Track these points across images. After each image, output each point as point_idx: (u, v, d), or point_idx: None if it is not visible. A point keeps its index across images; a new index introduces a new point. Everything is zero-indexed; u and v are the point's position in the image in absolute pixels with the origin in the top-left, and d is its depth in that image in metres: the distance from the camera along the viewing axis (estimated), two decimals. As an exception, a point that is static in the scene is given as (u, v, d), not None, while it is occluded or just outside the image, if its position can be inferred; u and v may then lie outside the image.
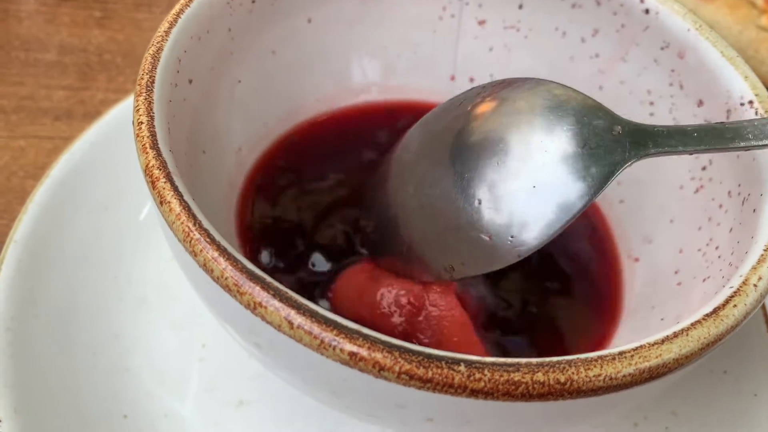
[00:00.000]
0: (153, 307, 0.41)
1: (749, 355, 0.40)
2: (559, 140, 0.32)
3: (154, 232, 0.42)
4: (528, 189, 0.31)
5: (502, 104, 0.34)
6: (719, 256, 0.34)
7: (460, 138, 0.34)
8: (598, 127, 0.32)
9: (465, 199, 0.33)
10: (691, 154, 0.32)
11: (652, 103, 0.41)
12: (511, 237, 0.31)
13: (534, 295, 0.40)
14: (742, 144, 0.31)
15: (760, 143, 0.31)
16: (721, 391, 0.40)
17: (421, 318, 0.35)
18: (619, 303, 0.39)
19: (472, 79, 0.46)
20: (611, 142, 0.31)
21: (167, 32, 0.33)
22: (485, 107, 0.34)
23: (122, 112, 0.46)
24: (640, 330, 0.36)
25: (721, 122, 0.33)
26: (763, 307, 0.42)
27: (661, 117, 0.41)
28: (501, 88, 0.35)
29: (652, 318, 0.36)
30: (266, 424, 0.37)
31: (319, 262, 0.39)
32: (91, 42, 0.59)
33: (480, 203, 0.32)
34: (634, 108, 0.42)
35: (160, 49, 0.32)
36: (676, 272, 0.37)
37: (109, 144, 0.45)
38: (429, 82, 0.46)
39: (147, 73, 0.31)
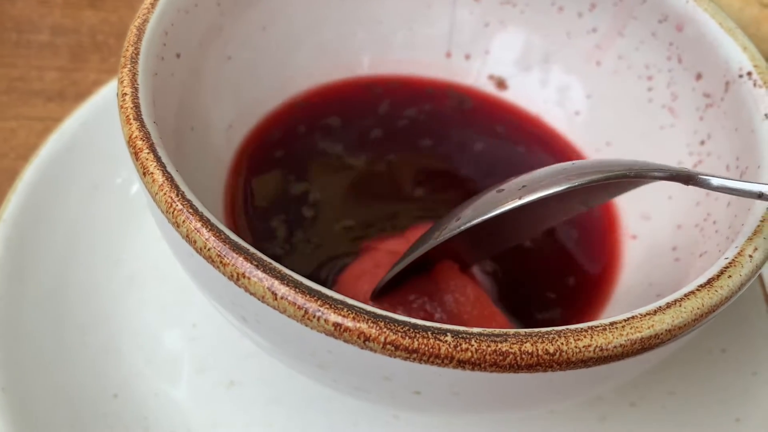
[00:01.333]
0: (143, 287, 0.40)
1: (748, 334, 0.40)
2: None
3: (144, 212, 0.42)
4: None
5: None
6: (717, 231, 0.34)
7: None
8: None
9: None
10: None
11: (650, 78, 0.40)
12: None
13: (529, 273, 0.39)
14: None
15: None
16: (720, 370, 0.39)
17: (436, 304, 0.34)
18: (615, 281, 0.39)
19: (467, 56, 0.45)
20: None
21: (153, 4, 0.33)
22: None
23: (112, 91, 0.45)
24: (637, 307, 0.35)
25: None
26: (762, 285, 0.41)
27: (660, 91, 0.40)
28: None
29: (648, 295, 0.35)
30: (257, 404, 0.37)
31: (313, 240, 0.39)
32: (83, 23, 0.58)
33: None
34: (632, 83, 0.41)
35: (145, 21, 0.32)
36: (673, 248, 0.36)
37: (99, 123, 0.44)
38: (424, 58, 0.45)
39: (132, 45, 0.31)
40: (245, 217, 0.39)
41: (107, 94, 0.45)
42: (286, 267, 0.24)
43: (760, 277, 0.41)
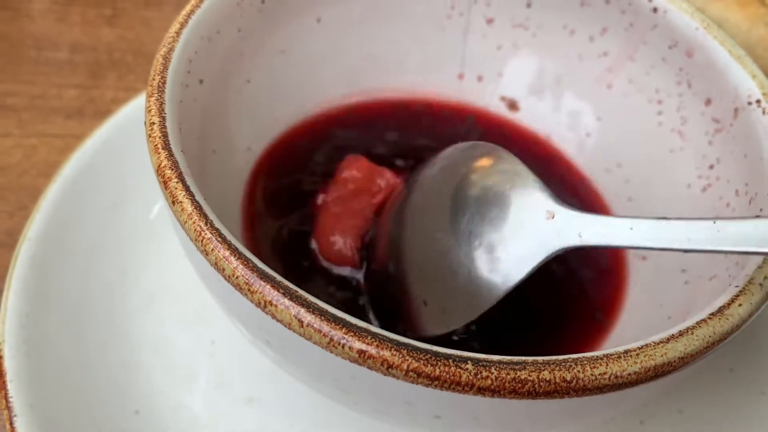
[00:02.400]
0: (163, 304, 0.41)
1: (756, 354, 0.40)
2: (490, 222, 0.32)
3: (164, 230, 0.43)
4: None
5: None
6: (726, 255, 0.34)
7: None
8: (533, 209, 0.31)
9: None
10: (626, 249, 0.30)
11: (660, 102, 0.41)
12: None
13: (539, 293, 0.40)
14: (679, 247, 0.28)
15: (704, 248, 0.28)
16: (728, 389, 0.40)
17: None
18: (625, 302, 0.40)
19: (480, 78, 0.46)
20: (541, 227, 0.31)
21: (178, 33, 0.34)
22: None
23: (133, 110, 0.46)
24: (648, 328, 0.36)
25: (665, 217, 0.29)
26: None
27: (669, 115, 0.41)
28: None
29: (659, 316, 0.36)
30: (276, 420, 0.38)
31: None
32: (101, 40, 0.60)
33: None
34: (643, 106, 0.42)
35: (171, 50, 0.33)
36: (683, 271, 0.37)
37: (120, 143, 0.45)
38: (437, 80, 0.46)
39: (158, 74, 0.32)
40: (264, 240, 0.40)
41: (128, 112, 0.46)
42: (307, 283, 0.25)
43: (768, 298, 0.42)
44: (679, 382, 0.38)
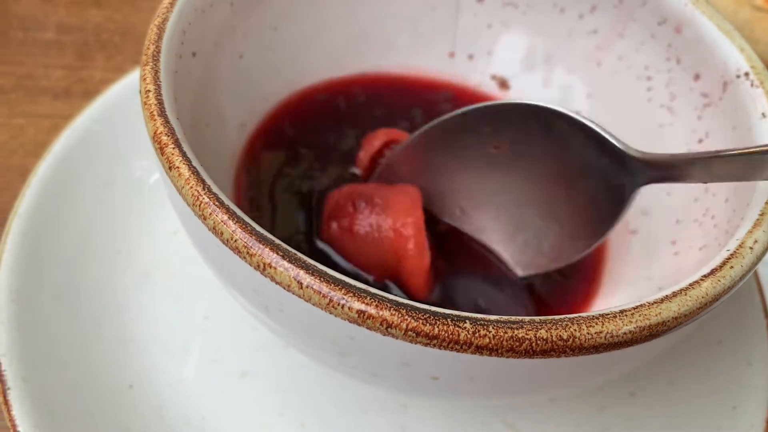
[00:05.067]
0: (156, 280, 0.41)
1: (743, 326, 0.41)
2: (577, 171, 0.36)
3: (156, 207, 0.43)
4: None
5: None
6: (715, 225, 0.35)
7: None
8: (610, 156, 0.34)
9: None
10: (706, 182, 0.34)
11: (649, 78, 0.42)
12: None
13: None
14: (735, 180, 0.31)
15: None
16: (717, 360, 0.40)
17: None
18: (616, 275, 0.40)
19: (471, 56, 0.47)
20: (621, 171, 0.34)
21: (172, 4, 0.33)
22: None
23: (123, 89, 0.46)
24: (638, 299, 0.36)
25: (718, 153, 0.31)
26: (758, 279, 0.42)
27: (659, 91, 0.41)
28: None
29: (649, 287, 0.37)
30: (269, 393, 0.38)
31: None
32: (89, 21, 0.59)
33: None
34: (632, 83, 0.42)
35: (165, 20, 0.33)
36: (673, 242, 0.38)
37: (109, 121, 0.45)
38: (428, 58, 0.46)
39: (153, 44, 0.32)
40: (256, 212, 0.40)
41: (118, 91, 0.46)
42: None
43: (756, 272, 0.43)
44: (669, 355, 0.39)
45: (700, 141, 0.39)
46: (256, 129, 0.42)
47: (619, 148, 0.34)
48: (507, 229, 0.40)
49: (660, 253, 0.38)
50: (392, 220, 0.36)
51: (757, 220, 0.29)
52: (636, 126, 0.42)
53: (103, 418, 0.36)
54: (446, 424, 0.38)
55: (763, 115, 0.33)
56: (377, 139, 0.41)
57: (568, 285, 0.40)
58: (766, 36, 0.53)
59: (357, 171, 0.42)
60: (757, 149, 0.29)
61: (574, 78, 0.45)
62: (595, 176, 0.36)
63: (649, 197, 0.41)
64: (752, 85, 0.35)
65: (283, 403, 0.38)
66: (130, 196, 0.43)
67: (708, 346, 0.41)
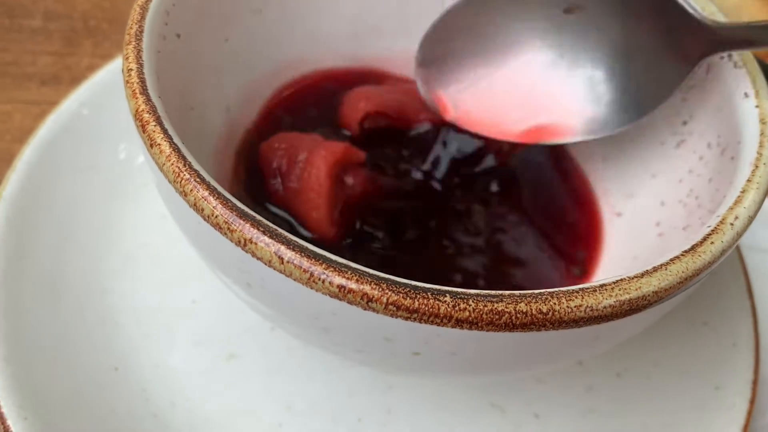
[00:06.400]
0: (141, 264, 0.41)
1: (728, 307, 0.41)
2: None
3: (141, 191, 0.43)
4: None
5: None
6: (699, 205, 0.35)
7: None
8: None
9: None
10: None
11: (634, 61, 0.42)
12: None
13: (514, 251, 0.41)
14: None
15: None
16: (702, 341, 0.41)
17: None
18: (600, 256, 0.40)
19: (457, 41, 0.47)
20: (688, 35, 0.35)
21: (155, -17, 0.33)
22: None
23: (110, 74, 0.46)
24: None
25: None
26: (742, 260, 0.43)
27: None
28: None
29: (634, 268, 0.37)
30: (256, 375, 0.38)
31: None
32: (76, 8, 0.59)
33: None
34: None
35: (148, 0, 0.33)
36: (657, 224, 0.38)
37: (96, 105, 0.45)
38: (416, 43, 0.46)
39: (136, 23, 0.32)
40: (244, 199, 0.40)
41: (104, 76, 0.46)
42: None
43: (740, 255, 0.43)
44: (654, 334, 0.39)
45: (685, 123, 0.39)
46: (245, 116, 0.42)
47: (692, 15, 0.35)
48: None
49: (644, 234, 0.38)
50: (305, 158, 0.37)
51: (738, 197, 0.29)
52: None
53: (87, 400, 0.36)
54: (432, 406, 0.38)
55: (746, 94, 0.34)
56: (363, 102, 0.41)
57: (551, 266, 0.40)
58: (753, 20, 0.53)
59: (347, 132, 0.42)
60: None
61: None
62: (661, 43, 0.37)
63: (634, 180, 0.41)
64: (735, 66, 0.35)
65: (271, 385, 0.38)
66: (116, 179, 0.43)
67: (693, 327, 0.41)
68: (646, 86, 0.38)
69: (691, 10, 0.35)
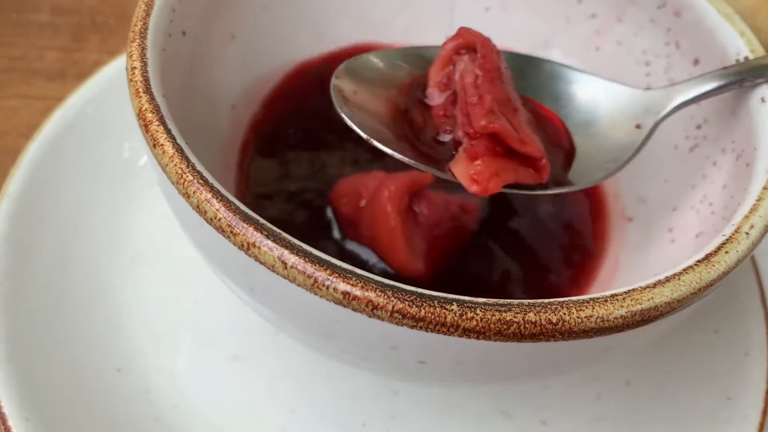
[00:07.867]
0: (145, 264, 0.41)
1: (740, 315, 0.41)
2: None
3: (146, 190, 0.43)
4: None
5: None
6: (712, 212, 0.34)
7: None
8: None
9: None
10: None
11: (648, 63, 0.41)
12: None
13: (524, 256, 0.40)
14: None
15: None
16: (713, 350, 0.40)
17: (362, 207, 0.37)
18: (611, 262, 0.40)
19: (468, 40, 0.46)
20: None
21: (161, -19, 0.33)
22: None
23: (115, 71, 0.46)
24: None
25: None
26: (755, 267, 0.42)
27: (657, 77, 0.40)
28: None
29: (645, 274, 0.36)
30: (260, 378, 0.38)
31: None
32: (83, 3, 0.58)
33: None
34: (630, 68, 0.42)
35: (153, -2, 0.32)
36: (669, 230, 0.37)
37: (102, 102, 0.44)
38: (424, 42, 0.45)
39: (140, 20, 0.31)
40: (249, 197, 0.39)
41: (110, 73, 0.45)
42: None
43: (753, 260, 0.42)
44: (664, 342, 0.38)
45: (699, 127, 0.38)
46: (251, 113, 0.42)
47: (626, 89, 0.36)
48: None
49: (656, 240, 0.37)
50: (373, 196, 0.36)
51: (754, 205, 0.28)
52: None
53: (90, 401, 0.35)
54: (438, 412, 0.37)
55: (762, 99, 0.33)
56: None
57: (564, 273, 0.39)
58: (769, 23, 0.52)
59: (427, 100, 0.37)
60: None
61: (573, 63, 0.44)
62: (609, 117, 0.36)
63: (646, 185, 0.40)
64: (752, 69, 0.34)
65: (274, 388, 0.37)
66: (121, 177, 0.43)
67: (704, 335, 0.40)
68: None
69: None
